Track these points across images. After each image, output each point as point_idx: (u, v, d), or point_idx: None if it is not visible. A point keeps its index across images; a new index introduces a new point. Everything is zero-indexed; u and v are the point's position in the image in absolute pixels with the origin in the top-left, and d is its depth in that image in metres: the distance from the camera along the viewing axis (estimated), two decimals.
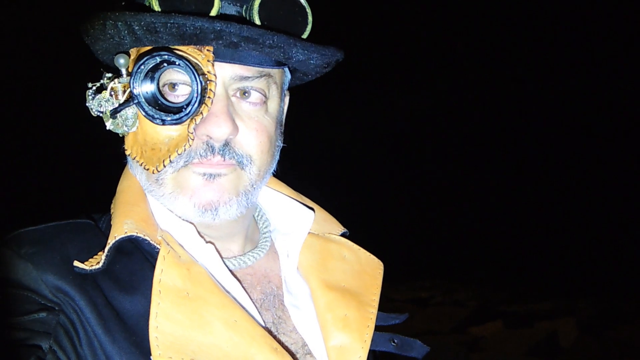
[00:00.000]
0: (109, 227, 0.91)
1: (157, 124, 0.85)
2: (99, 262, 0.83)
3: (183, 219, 0.92)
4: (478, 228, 10.02)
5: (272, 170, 1.00)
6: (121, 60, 0.86)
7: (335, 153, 9.35)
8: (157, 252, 0.86)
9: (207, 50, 0.86)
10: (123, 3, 0.92)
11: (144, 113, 0.84)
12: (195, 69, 0.82)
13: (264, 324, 0.91)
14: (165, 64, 0.83)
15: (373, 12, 8.71)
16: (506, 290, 8.46)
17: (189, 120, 0.84)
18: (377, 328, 1.01)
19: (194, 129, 0.85)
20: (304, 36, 0.95)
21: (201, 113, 0.84)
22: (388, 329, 1.05)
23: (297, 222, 1.07)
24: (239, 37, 0.83)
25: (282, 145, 1.02)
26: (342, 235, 1.14)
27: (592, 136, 9.65)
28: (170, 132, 0.87)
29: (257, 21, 0.89)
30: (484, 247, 9.64)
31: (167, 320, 0.79)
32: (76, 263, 0.83)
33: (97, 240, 0.90)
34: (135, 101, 0.84)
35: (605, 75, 8.82)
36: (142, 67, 0.83)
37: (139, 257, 0.89)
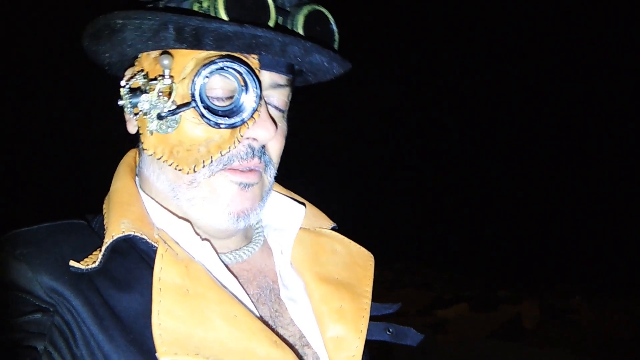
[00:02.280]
0: (102, 227, 0.92)
1: (212, 126, 0.87)
2: (94, 262, 0.84)
3: (179, 217, 0.94)
4: (446, 212, 10.10)
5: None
6: (166, 62, 0.86)
7: (319, 146, 9.22)
8: (154, 251, 0.87)
9: (253, 58, 0.89)
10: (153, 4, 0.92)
11: (202, 116, 0.86)
12: (257, 77, 0.86)
13: (261, 318, 0.93)
14: (225, 69, 0.86)
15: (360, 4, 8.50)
16: (472, 273, 8.59)
17: (242, 125, 0.87)
18: (372, 318, 1.03)
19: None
20: None
21: (253, 118, 0.88)
22: (382, 318, 1.09)
23: (288, 218, 1.09)
24: (301, 49, 0.88)
25: None
26: (332, 229, 1.16)
27: (559, 128, 9.77)
28: (212, 134, 0.89)
29: (302, 33, 0.94)
30: (451, 231, 9.73)
31: (169, 317, 0.80)
32: (72, 262, 0.83)
33: (91, 240, 0.90)
34: (194, 104, 0.85)
35: (603, 69, 8.85)
36: (205, 71, 0.84)
37: (134, 256, 0.90)
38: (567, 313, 6.96)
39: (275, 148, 0.97)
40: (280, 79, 0.94)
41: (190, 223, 0.93)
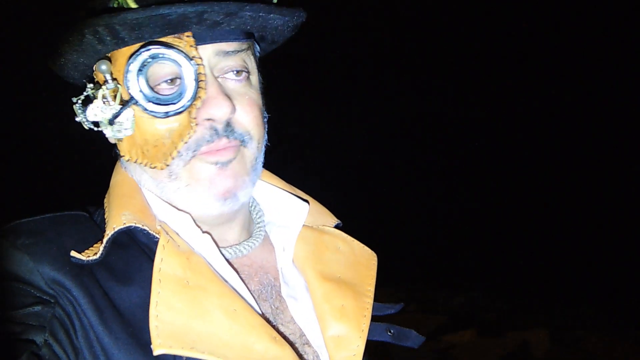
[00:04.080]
0: (103, 220, 0.92)
1: (160, 117, 0.85)
2: (96, 253, 0.84)
3: (179, 209, 0.92)
4: (454, 234, 9.94)
5: (265, 142, 1.01)
6: (103, 67, 0.86)
7: (330, 147, 9.13)
8: (155, 243, 0.87)
9: (187, 36, 0.86)
10: (84, 12, 0.91)
11: (145, 110, 0.85)
12: (187, 55, 0.83)
13: (262, 314, 0.92)
14: (154, 58, 0.84)
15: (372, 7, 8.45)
16: (480, 299, 8.46)
17: (190, 107, 0.85)
18: (373, 318, 1.02)
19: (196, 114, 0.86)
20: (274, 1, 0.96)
21: (199, 97, 0.85)
22: (384, 319, 1.07)
23: (291, 215, 1.07)
24: (220, 14, 0.84)
25: (267, 116, 1.02)
26: (336, 226, 1.15)
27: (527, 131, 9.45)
28: (170, 124, 0.87)
29: None
30: (460, 255, 9.59)
31: (167, 309, 0.79)
32: (73, 253, 0.83)
33: (92, 232, 0.90)
34: (134, 101, 0.84)
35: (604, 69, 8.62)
36: (133, 65, 0.83)
37: (134, 249, 0.89)
38: (576, 342, 6.83)
39: (247, 120, 0.92)
40: (228, 46, 0.90)
41: (191, 215, 0.92)
